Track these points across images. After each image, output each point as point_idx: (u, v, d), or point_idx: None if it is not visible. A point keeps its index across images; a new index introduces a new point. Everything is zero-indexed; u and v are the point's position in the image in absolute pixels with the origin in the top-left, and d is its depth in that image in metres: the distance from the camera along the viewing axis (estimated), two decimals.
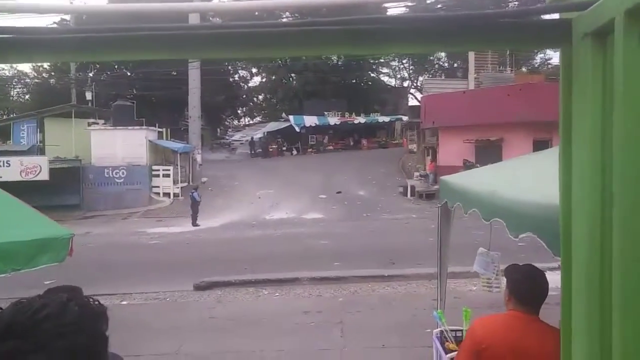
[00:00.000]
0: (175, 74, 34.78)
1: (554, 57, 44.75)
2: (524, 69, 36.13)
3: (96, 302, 0.90)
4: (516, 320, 2.43)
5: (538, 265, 2.68)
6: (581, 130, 1.22)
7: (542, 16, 1.45)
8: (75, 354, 0.80)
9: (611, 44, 1.14)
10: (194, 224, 18.62)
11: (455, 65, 44.11)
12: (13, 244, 2.37)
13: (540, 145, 19.66)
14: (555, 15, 1.44)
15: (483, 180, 3.60)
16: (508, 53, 30.12)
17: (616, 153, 1.06)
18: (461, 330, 4.21)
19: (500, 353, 2.34)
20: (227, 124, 55.29)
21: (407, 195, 22.79)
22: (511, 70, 29.55)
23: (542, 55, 42.73)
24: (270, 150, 36.14)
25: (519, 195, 2.73)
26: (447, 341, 4.12)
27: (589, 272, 1.17)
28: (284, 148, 37.38)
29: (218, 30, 1.27)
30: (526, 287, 2.46)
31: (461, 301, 6.87)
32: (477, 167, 11.86)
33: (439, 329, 4.35)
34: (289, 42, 1.29)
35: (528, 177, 3.14)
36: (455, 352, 3.91)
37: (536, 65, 42.34)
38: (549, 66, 42.62)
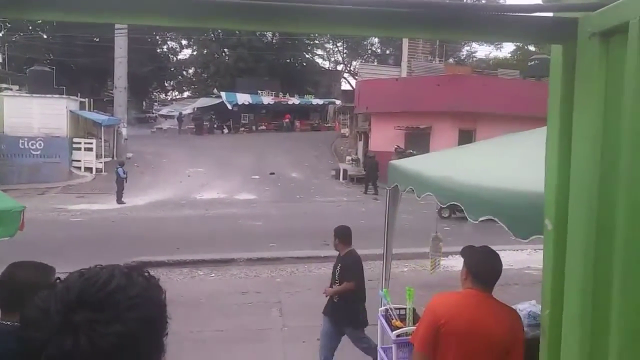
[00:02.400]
0: (98, 40, 32.62)
1: (479, 50, 47.04)
2: (451, 60, 37.62)
3: (147, 273, 0.90)
4: (473, 298, 2.58)
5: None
6: (582, 125, 1.30)
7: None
8: (147, 323, 0.82)
9: (617, 44, 1.22)
10: (119, 201, 17.77)
11: (388, 52, 45.02)
12: None
13: (465, 134, 20.70)
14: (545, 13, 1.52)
15: (435, 165, 3.74)
16: (438, 43, 31.19)
17: (624, 148, 1.14)
18: (404, 309, 4.39)
19: (458, 328, 2.48)
20: (154, 97, 52.97)
21: (339, 179, 23.16)
22: (440, 61, 30.64)
23: (468, 47, 44.73)
24: (204, 126, 35.10)
25: (476, 180, 2.87)
26: (393, 319, 4.28)
27: (585, 263, 1.25)
28: (215, 126, 36.47)
29: None
30: (483, 266, 2.61)
31: (394, 282, 7.14)
32: (414, 153, 12.27)
33: (383, 307, 4.51)
34: (229, 14, 1.28)
35: (482, 164, 3.31)
36: (401, 329, 4.09)
37: (462, 57, 44.26)
38: (474, 59, 44.76)
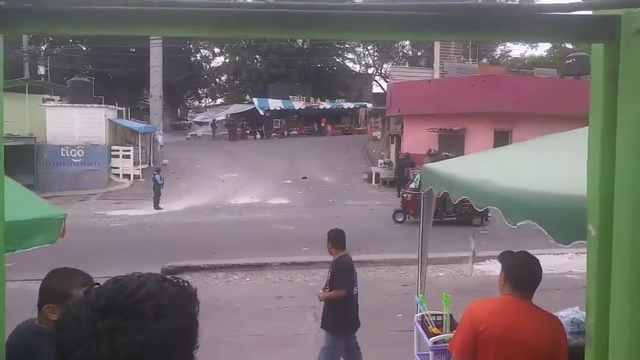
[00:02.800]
0: (134, 50, 33.57)
1: (514, 49, 46.03)
2: (485, 60, 36.96)
3: (185, 283, 0.88)
4: (511, 304, 2.51)
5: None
6: (627, 126, 1.25)
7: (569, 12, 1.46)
8: (175, 334, 0.80)
9: None
10: (156, 206, 18.20)
11: (419, 54, 44.60)
12: (8, 224, 2.24)
13: (500, 136, 20.27)
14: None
15: (471, 168, 3.67)
16: (471, 44, 30.71)
17: None
18: (441, 315, 4.31)
19: (496, 335, 2.42)
20: (188, 104, 54.07)
21: (371, 182, 23.05)
22: (473, 61, 30.15)
23: (502, 47, 43.81)
24: (237, 132, 35.62)
25: (514, 184, 2.80)
26: (429, 325, 4.21)
27: (632, 269, 1.20)
28: (248, 131, 36.93)
29: (189, 9, 1.25)
30: (522, 272, 2.55)
31: (431, 287, 7.04)
32: (450, 156, 12.05)
33: (420, 313, 4.44)
34: (258, 23, 1.28)
35: (520, 166, 3.22)
36: (438, 336, 4.03)
37: (497, 57, 43.39)
38: (509, 58, 43.81)
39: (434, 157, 18.94)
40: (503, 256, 2.71)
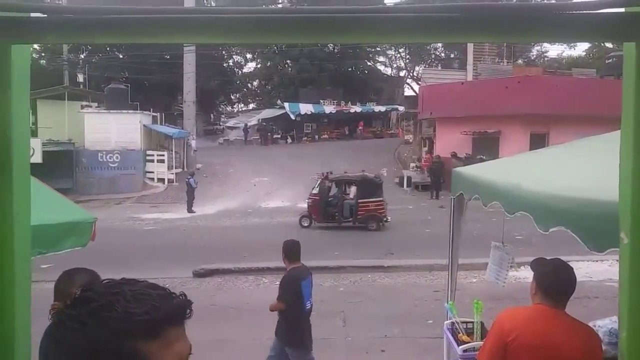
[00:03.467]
0: (168, 57, 34.38)
1: (551, 49, 44.86)
2: (520, 61, 36.16)
3: (182, 295, 0.87)
4: (543, 313, 2.42)
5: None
6: None
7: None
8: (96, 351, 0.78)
9: None
10: (190, 210, 18.53)
11: (452, 55, 44.00)
12: (40, 227, 2.33)
13: (537, 139, 19.75)
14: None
15: (502, 173, 3.57)
16: (505, 44, 30.11)
17: None
18: (472, 322, 4.21)
19: (526, 345, 2.33)
20: (221, 109, 54.91)
21: (403, 186, 22.82)
22: (508, 62, 29.54)
23: (538, 47, 42.76)
24: (268, 137, 35.95)
25: (546, 189, 2.70)
26: (459, 333, 4.12)
27: None
28: (279, 136, 37.20)
29: (213, 15, 1.24)
30: (553, 280, 2.45)
31: (462, 293, 6.90)
32: (485, 159, 11.81)
33: (449, 320, 4.35)
34: (285, 28, 1.26)
35: (553, 171, 3.11)
36: (468, 344, 3.93)
37: (533, 58, 42.37)
38: (545, 59, 42.71)
39: (461, 160, 18.66)
40: (535, 264, 2.62)
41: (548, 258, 2.61)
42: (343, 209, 14.56)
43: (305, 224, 14.95)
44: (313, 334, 6.53)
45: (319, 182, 15.56)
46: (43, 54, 37.24)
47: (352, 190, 14.86)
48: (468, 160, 17.17)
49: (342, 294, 8.27)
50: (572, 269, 2.51)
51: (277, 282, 9.15)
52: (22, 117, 1.29)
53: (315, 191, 15.18)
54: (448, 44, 38.09)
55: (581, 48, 41.88)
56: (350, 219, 14.46)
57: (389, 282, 9.08)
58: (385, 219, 14.30)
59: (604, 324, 3.58)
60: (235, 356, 5.76)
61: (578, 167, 2.94)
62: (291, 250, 4.87)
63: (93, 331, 0.77)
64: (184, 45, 26.80)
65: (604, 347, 2.56)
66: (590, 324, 2.93)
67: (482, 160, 11.25)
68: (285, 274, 4.89)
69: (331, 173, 16.54)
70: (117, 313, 0.78)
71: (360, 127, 36.69)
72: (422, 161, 24.14)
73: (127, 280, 0.86)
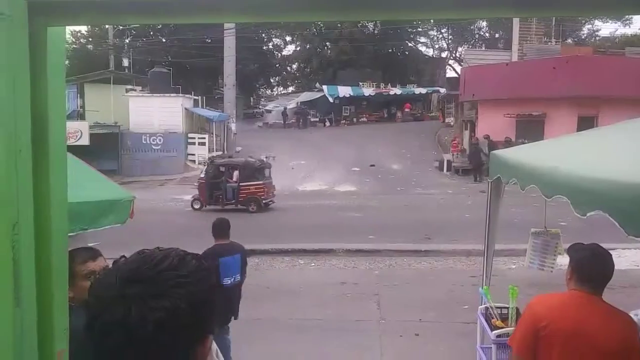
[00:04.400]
0: (209, 41, 34.80)
1: (603, 28, 42.63)
2: (569, 41, 34.59)
3: (203, 260, 0.94)
4: (578, 299, 2.36)
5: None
6: None
7: None
8: (194, 302, 0.86)
9: None
10: None
11: (497, 35, 42.53)
12: (81, 205, 2.44)
13: (585, 122, 18.93)
14: None
15: (541, 155, 3.46)
16: (554, 23, 28.82)
17: None
18: (507, 308, 4.14)
19: (559, 332, 2.28)
20: (260, 93, 55.28)
21: (443, 170, 22.46)
22: (556, 42, 28.29)
23: (589, 26, 40.72)
24: (307, 120, 35.95)
25: (585, 171, 2.61)
26: (493, 318, 4.06)
27: None
28: (317, 119, 37.17)
29: None
30: (590, 266, 2.37)
31: (500, 279, 6.78)
32: (526, 142, 11.44)
33: (484, 305, 4.30)
34: (318, 5, 1.24)
35: (592, 154, 3.00)
36: (501, 329, 3.88)
37: (583, 37, 40.41)
38: (597, 38, 40.65)
39: (497, 143, 18.12)
40: (572, 249, 2.54)
41: (585, 243, 2.53)
42: (226, 192, 15.27)
43: (197, 207, 15.58)
44: (347, 316, 6.59)
45: (206, 166, 16.38)
46: (90, 39, 38.45)
47: (235, 174, 15.46)
48: (507, 145, 16.67)
49: (377, 277, 8.29)
50: (610, 255, 2.42)
51: (313, 264, 9.30)
52: (59, 98, 1.34)
53: (202, 175, 16.05)
54: (496, 22, 36.79)
55: (636, 26, 39.54)
56: (233, 201, 15.14)
57: (426, 266, 9.02)
58: (265, 202, 15.20)
59: None
60: (271, 334, 5.89)
61: (620, 150, 2.81)
62: (216, 228, 4.98)
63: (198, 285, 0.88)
64: (224, 28, 27.02)
65: None
66: (631, 314, 2.83)
67: (523, 144, 10.86)
68: (205, 250, 4.83)
69: (251, 157, 17.47)
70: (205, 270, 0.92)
71: (407, 109, 36.14)
72: (451, 146, 23.63)
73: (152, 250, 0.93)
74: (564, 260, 9.02)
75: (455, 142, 23.67)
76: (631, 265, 8.44)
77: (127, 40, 35.48)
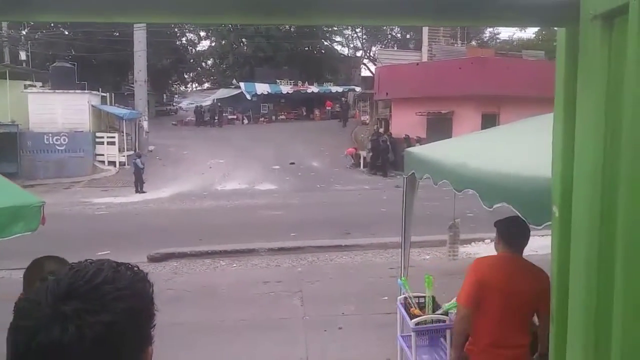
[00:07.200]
0: (117, 34, 33.00)
1: (503, 31, 45.94)
2: (474, 43, 36.91)
3: (136, 267, 0.92)
4: (507, 259, 3.01)
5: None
6: (585, 108, 1.27)
7: None
8: (134, 314, 0.85)
9: (619, 26, 1.19)
10: (139, 191, 18.14)
11: (408, 36, 44.38)
12: None
13: (488, 119, 20.34)
14: None
15: (451, 152, 3.70)
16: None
17: (627, 134, 1.11)
18: (424, 297, 4.37)
19: (498, 284, 2.88)
20: (174, 89, 53.41)
21: (359, 167, 23.09)
22: (462, 44, 30.09)
23: (490, 29, 43.72)
24: (223, 117, 35.29)
25: (490, 167, 2.84)
26: (412, 307, 4.27)
27: (589, 249, 1.23)
28: (235, 117, 36.63)
29: None
30: (513, 231, 2.95)
31: (417, 269, 7.12)
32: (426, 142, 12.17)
33: (402, 295, 4.50)
34: (239, 8, 1.28)
35: (496, 150, 3.26)
36: (419, 317, 4.09)
37: (485, 40, 43.33)
38: (497, 41, 43.77)
39: (412, 140, 19.08)
40: (499, 222, 3.08)
41: (507, 217, 2.96)
42: None
43: None
44: (271, 314, 6.60)
45: None
46: None
47: None
48: (419, 142, 17.53)
49: (300, 274, 8.37)
50: (527, 225, 2.83)
51: (235, 265, 9.19)
52: None
53: None
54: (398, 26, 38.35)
55: (531, 30, 43.05)
56: None
57: (347, 260, 9.25)
58: None
59: None
60: (193, 339, 5.76)
61: (520, 146, 3.09)
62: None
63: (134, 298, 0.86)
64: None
65: None
66: None
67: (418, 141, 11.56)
68: None
69: None
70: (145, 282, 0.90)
71: (328, 107, 36.54)
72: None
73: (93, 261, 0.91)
74: (467, 249, 9.62)
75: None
76: (530, 251, 9.23)
77: (24, 32, 32.73)
